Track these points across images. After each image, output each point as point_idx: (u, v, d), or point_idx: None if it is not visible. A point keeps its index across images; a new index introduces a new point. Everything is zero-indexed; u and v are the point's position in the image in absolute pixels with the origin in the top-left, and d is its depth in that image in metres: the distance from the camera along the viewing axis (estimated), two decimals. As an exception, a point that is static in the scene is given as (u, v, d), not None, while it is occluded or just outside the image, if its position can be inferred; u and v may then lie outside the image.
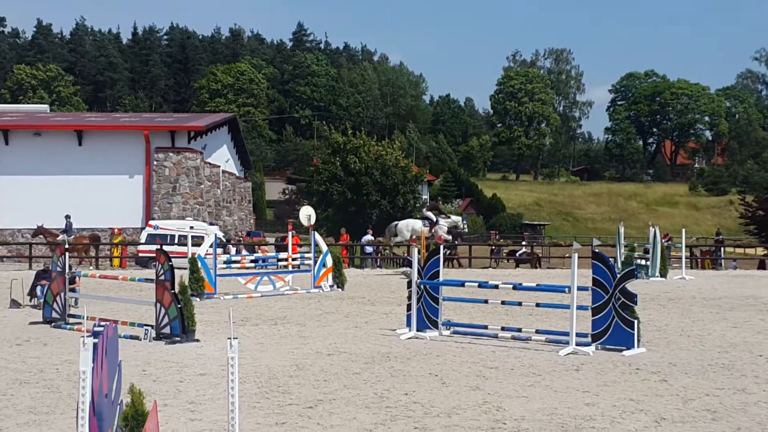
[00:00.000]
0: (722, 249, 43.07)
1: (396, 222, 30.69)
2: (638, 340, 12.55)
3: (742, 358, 12.12)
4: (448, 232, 29.25)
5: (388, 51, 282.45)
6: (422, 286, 14.37)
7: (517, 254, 41.30)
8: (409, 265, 14.88)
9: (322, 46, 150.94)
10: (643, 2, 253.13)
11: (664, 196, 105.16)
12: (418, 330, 14.11)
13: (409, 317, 14.38)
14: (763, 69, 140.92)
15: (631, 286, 12.82)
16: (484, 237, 64.60)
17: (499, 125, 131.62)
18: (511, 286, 14.21)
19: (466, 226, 31.71)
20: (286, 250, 25.82)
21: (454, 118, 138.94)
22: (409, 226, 29.63)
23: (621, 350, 12.40)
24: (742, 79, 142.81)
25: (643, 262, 27.25)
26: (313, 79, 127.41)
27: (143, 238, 35.71)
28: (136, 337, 13.58)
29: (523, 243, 46.45)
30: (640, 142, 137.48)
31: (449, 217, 30.54)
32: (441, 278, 14.53)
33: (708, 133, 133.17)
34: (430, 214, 29.54)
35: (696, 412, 8.81)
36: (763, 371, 11.07)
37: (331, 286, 23.28)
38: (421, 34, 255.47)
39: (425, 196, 71.88)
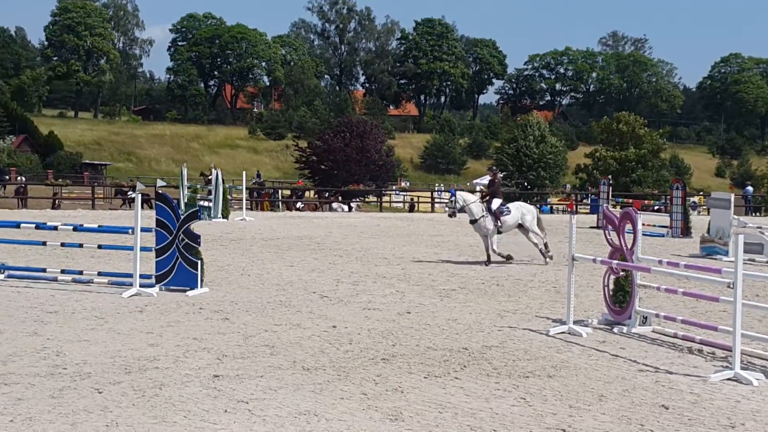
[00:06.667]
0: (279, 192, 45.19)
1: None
2: (201, 280, 12.77)
3: (297, 295, 12.84)
4: None
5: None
6: (-28, 228, 13.35)
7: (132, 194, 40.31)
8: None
9: None
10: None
11: (226, 138, 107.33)
12: (-33, 275, 13.12)
13: (-44, 261, 13.32)
14: (315, 19, 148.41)
15: (195, 227, 12.97)
16: (40, 177, 61.49)
17: (55, 59, 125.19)
18: (71, 227, 13.71)
19: None
20: None
21: (5, 49, 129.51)
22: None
23: (185, 290, 12.53)
24: (296, 28, 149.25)
25: (206, 203, 27.70)
26: None
27: None
28: None
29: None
30: (202, 85, 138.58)
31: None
32: None
33: (266, 79, 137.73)
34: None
35: (256, 347, 9.18)
36: (316, 306, 11.83)
37: None
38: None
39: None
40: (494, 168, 19.78)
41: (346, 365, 8.47)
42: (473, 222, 17.72)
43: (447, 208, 19.06)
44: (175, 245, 12.67)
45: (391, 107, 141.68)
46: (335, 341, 9.59)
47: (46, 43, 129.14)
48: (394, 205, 49.39)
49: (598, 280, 11.92)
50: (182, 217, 12.85)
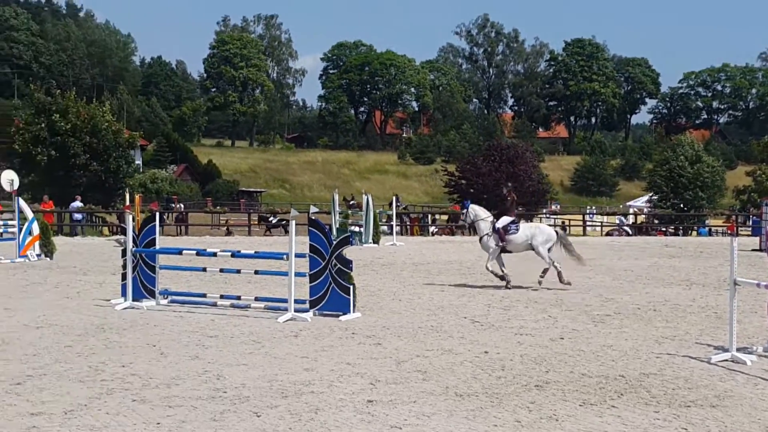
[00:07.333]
0: (429, 216, 45.38)
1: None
2: (354, 305, 12.92)
3: (448, 320, 12.82)
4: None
5: (93, 7, 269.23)
6: (138, 255, 13.97)
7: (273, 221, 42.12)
8: (124, 232, 14.40)
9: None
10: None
11: (376, 164, 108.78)
12: (134, 300, 13.73)
13: (124, 287, 13.95)
14: (463, 43, 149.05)
15: (347, 252, 13.15)
16: (200, 204, 63.85)
17: (213, 90, 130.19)
18: (229, 253, 14.15)
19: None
20: (-14, 217, 24.19)
21: (167, 81, 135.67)
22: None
23: (338, 315, 12.71)
24: (444, 53, 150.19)
25: (357, 228, 28.11)
26: (11, 35, 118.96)
27: None
28: None
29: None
30: (352, 111, 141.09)
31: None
32: (158, 246, 14.20)
33: (415, 104, 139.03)
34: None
35: (408, 373, 9.21)
36: (468, 332, 11.77)
37: (38, 255, 22.10)
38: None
39: (138, 161, 70.00)
40: (509, 185, 19.12)
41: (499, 392, 8.39)
42: (480, 238, 17.47)
43: (461, 221, 18.38)
44: (328, 270, 12.88)
45: (540, 129, 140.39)
46: (487, 367, 9.51)
47: (204, 75, 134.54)
48: (545, 228, 48.86)
49: (763, 306, 11.42)
50: (335, 242, 13.06)
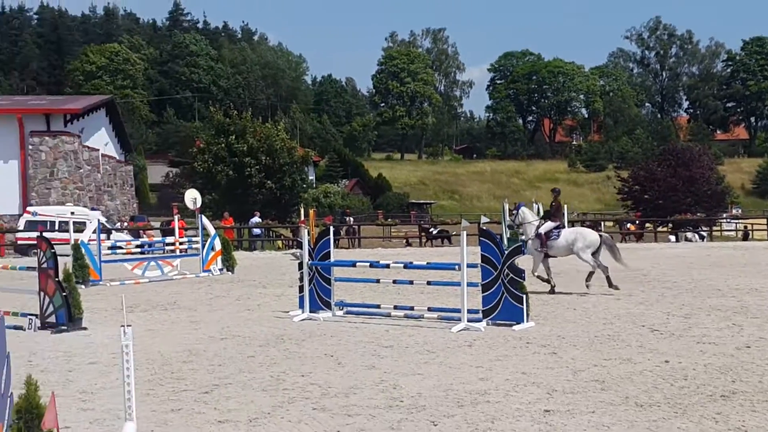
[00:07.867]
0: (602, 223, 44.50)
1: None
2: (527, 315, 12.80)
3: (626, 328, 12.51)
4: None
5: (267, 31, 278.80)
6: (314, 267, 14.33)
7: (434, 232, 42.74)
8: (300, 246, 14.80)
9: (200, 25, 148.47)
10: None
11: (545, 172, 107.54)
12: (311, 311, 14.09)
13: (301, 299, 14.34)
14: (634, 48, 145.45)
15: (519, 261, 13.05)
16: (372, 217, 64.88)
17: (382, 105, 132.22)
18: (402, 264, 14.30)
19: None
20: (172, 234, 25.40)
21: (337, 98, 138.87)
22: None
23: (511, 325, 12.63)
24: (614, 57, 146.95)
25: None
26: (192, 60, 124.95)
27: (21, 225, 34.61)
28: (20, 327, 13.09)
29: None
30: (520, 121, 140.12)
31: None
32: (333, 258, 14.52)
33: (584, 111, 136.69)
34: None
35: (585, 382, 9.03)
36: (647, 341, 11.44)
37: (220, 270, 23.06)
38: (296, 14, 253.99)
39: (312, 177, 71.87)
40: (557, 189, 18.70)
41: (682, 402, 8.10)
42: (524, 241, 17.52)
43: (509, 220, 19.52)
44: (500, 280, 12.82)
45: (718, 132, 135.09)
46: (669, 377, 9.22)
47: (373, 90, 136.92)
48: (725, 233, 46.95)
49: None
50: (506, 252, 12.99)
